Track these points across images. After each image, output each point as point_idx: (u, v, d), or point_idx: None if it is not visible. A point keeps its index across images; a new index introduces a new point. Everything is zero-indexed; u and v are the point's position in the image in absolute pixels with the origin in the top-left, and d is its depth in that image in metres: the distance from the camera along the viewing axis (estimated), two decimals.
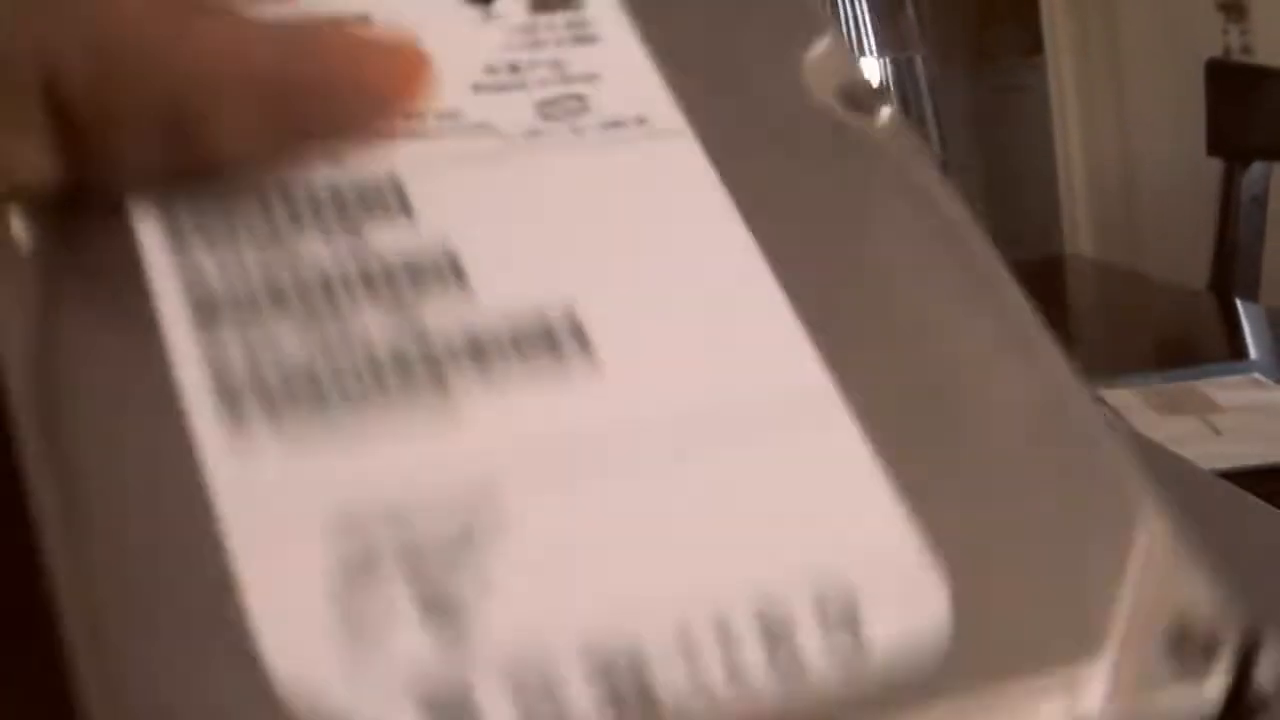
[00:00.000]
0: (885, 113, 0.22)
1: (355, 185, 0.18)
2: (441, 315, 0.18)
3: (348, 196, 0.18)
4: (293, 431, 0.16)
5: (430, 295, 0.18)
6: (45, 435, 0.16)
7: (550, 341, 0.18)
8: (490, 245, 0.18)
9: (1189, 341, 1.09)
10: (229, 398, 0.17)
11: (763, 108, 0.21)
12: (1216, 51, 1.99)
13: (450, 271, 0.18)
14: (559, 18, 0.21)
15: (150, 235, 0.18)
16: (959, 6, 2.37)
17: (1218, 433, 0.73)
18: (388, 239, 0.18)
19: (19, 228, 0.17)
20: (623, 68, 0.21)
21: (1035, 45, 2.45)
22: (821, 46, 0.22)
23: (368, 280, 0.18)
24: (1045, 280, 1.33)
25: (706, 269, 0.19)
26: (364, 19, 0.20)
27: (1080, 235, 2.34)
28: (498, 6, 0.21)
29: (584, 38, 0.21)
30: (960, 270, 0.20)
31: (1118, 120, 2.30)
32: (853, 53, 0.22)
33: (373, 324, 0.17)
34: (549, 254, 0.18)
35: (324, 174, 0.18)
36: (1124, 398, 0.79)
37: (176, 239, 0.18)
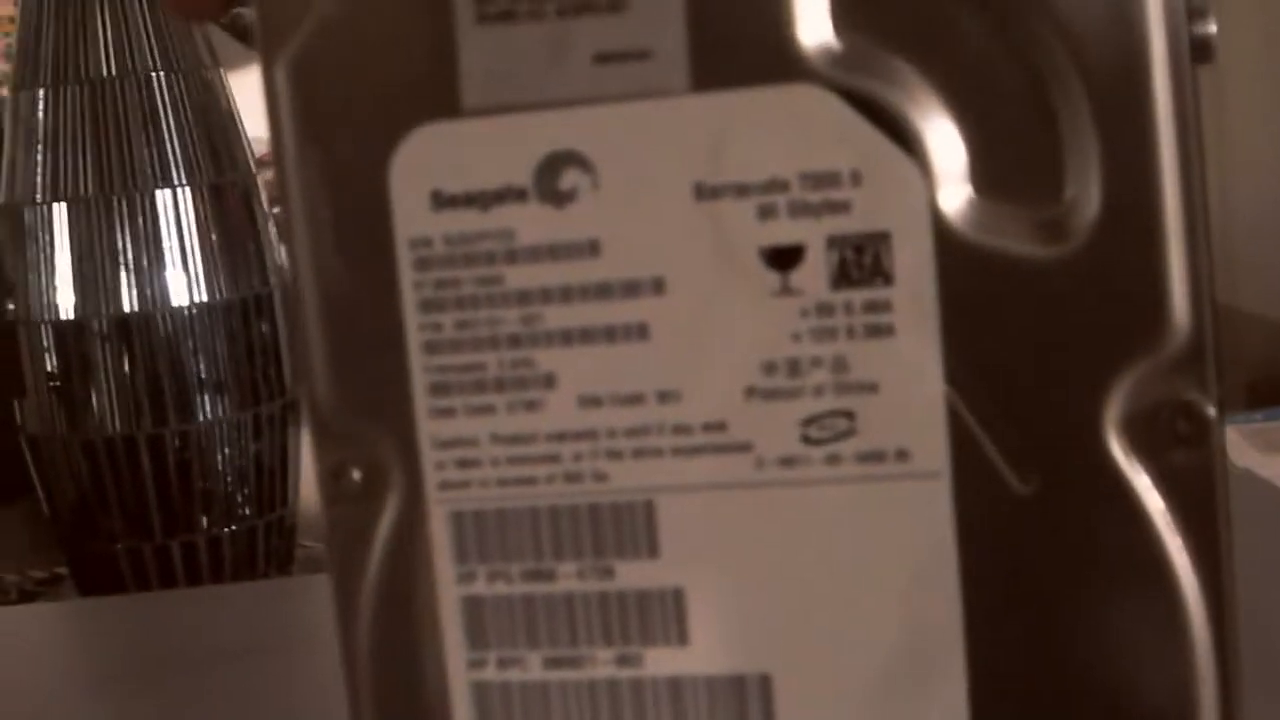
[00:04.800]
0: (1200, 451, 0.19)
1: (613, 510, 0.21)
2: (657, 662, 0.21)
3: (604, 522, 0.21)
4: None
5: (653, 641, 0.21)
6: None
7: (740, 706, 0.21)
8: (715, 593, 0.21)
9: None
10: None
11: (1034, 441, 0.20)
12: None
13: (675, 619, 0.21)
14: (859, 295, 0.20)
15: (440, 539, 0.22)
16: None
17: None
18: (631, 575, 0.21)
19: None
20: (906, 380, 0.20)
21: None
22: (1144, 366, 0.20)
23: (606, 621, 0.21)
24: None
25: (902, 647, 0.20)
26: (660, 283, 0.20)
27: None
28: (797, 276, 0.20)
29: (879, 328, 0.20)
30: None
31: (1215, 154, 2.31)
32: (1204, 365, 0.20)
33: (601, 660, 0.21)
34: (763, 611, 0.21)
35: (588, 490, 0.21)
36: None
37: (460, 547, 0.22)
